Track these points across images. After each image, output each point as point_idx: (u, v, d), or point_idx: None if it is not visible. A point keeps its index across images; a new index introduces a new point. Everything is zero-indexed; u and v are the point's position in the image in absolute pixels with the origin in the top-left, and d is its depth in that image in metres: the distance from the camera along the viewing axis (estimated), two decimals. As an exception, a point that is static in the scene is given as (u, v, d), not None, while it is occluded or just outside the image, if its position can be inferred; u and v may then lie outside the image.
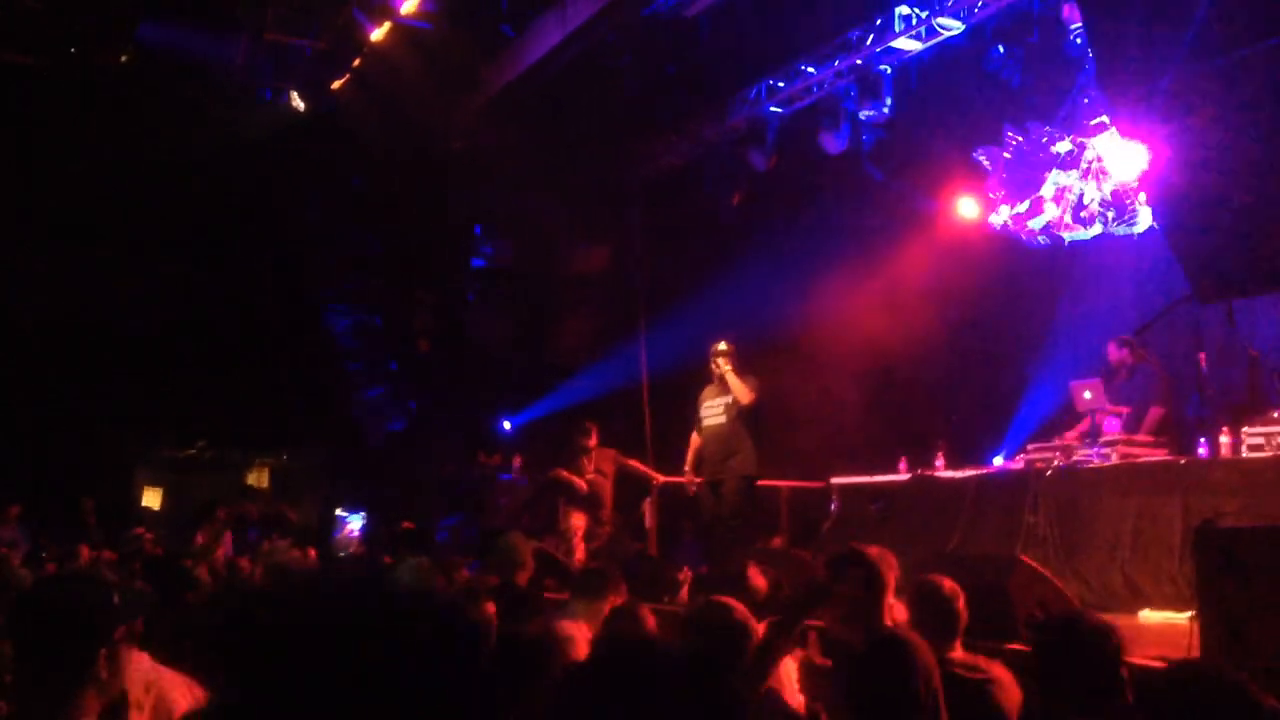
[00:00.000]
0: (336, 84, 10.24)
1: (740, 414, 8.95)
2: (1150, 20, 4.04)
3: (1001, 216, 11.72)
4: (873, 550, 4.17)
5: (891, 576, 4.04)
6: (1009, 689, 3.87)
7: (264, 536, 9.88)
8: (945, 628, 4.04)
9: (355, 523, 12.82)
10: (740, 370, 9.05)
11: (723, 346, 9.18)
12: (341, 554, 10.85)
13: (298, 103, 10.81)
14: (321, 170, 12.61)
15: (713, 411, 9.19)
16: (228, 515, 9.60)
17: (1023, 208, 11.60)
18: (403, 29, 9.98)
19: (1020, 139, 11.59)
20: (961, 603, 4.10)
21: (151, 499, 14.40)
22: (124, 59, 9.50)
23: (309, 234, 13.24)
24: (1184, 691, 2.72)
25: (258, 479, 14.98)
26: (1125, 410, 8.89)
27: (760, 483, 11.76)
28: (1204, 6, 3.96)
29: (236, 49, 10.01)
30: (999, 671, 3.95)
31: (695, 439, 9.41)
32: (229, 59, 10.08)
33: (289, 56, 10.38)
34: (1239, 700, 2.60)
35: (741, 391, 8.89)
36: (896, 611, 4.86)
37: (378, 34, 9.47)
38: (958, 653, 4.04)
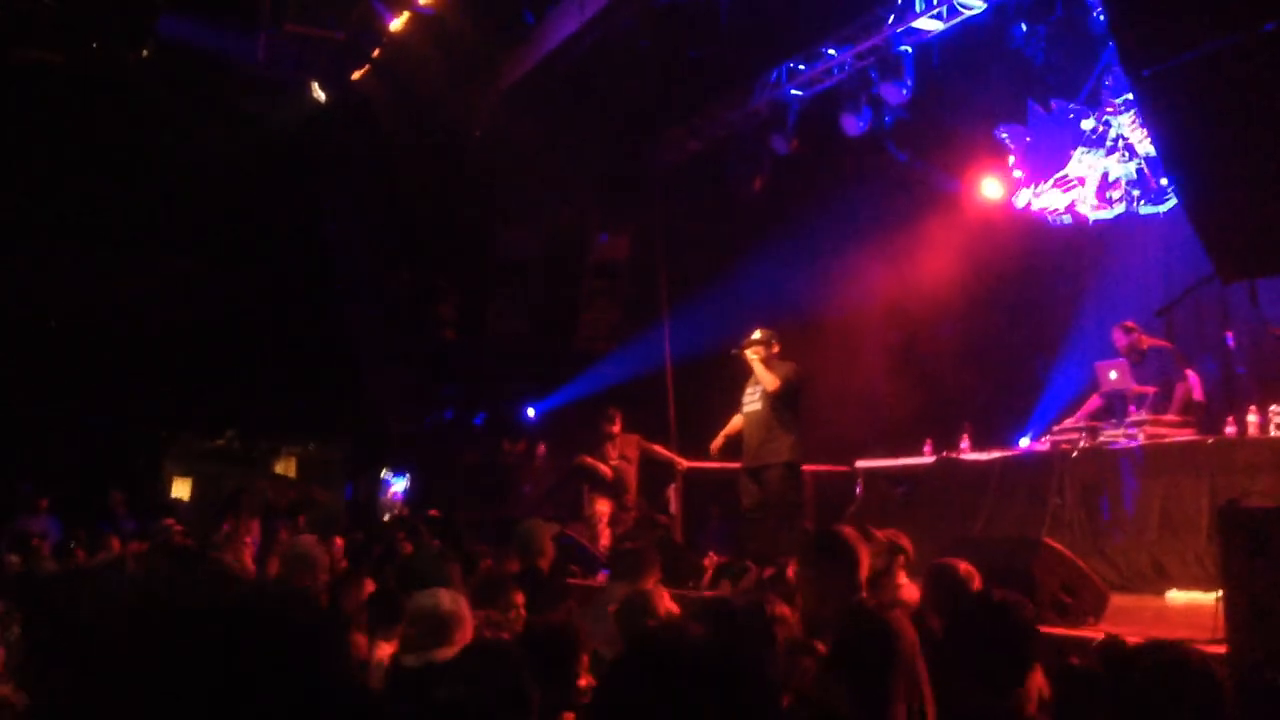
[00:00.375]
0: (357, 74, 10.26)
1: (774, 401, 8.85)
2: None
3: (1026, 196, 11.60)
4: (847, 530, 4.16)
5: (866, 556, 3.99)
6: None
7: (289, 525, 9.95)
8: (963, 610, 4.02)
9: (399, 485, 12.92)
10: (772, 357, 8.96)
11: (756, 335, 9.07)
12: (387, 515, 10.91)
13: (318, 94, 10.85)
14: (344, 161, 12.65)
15: (750, 399, 9.11)
16: (252, 502, 9.68)
17: (1047, 187, 11.49)
18: (421, 18, 9.98)
19: (1045, 115, 11.46)
20: (976, 585, 4.09)
21: (181, 489, 14.55)
22: (145, 53, 9.56)
23: (333, 224, 13.30)
24: (1146, 667, 2.71)
25: (285, 468, 15.11)
26: (1148, 391, 8.83)
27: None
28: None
29: (257, 41, 10.04)
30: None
31: (735, 421, 9.33)
32: (249, 51, 10.12)
33: (309, 48, 10.40)
34: (1201, 682, 2.59)
35: (767, 380, 8.81)
36: (906, 592, 4.86)
37: (397, 23, 9.48)
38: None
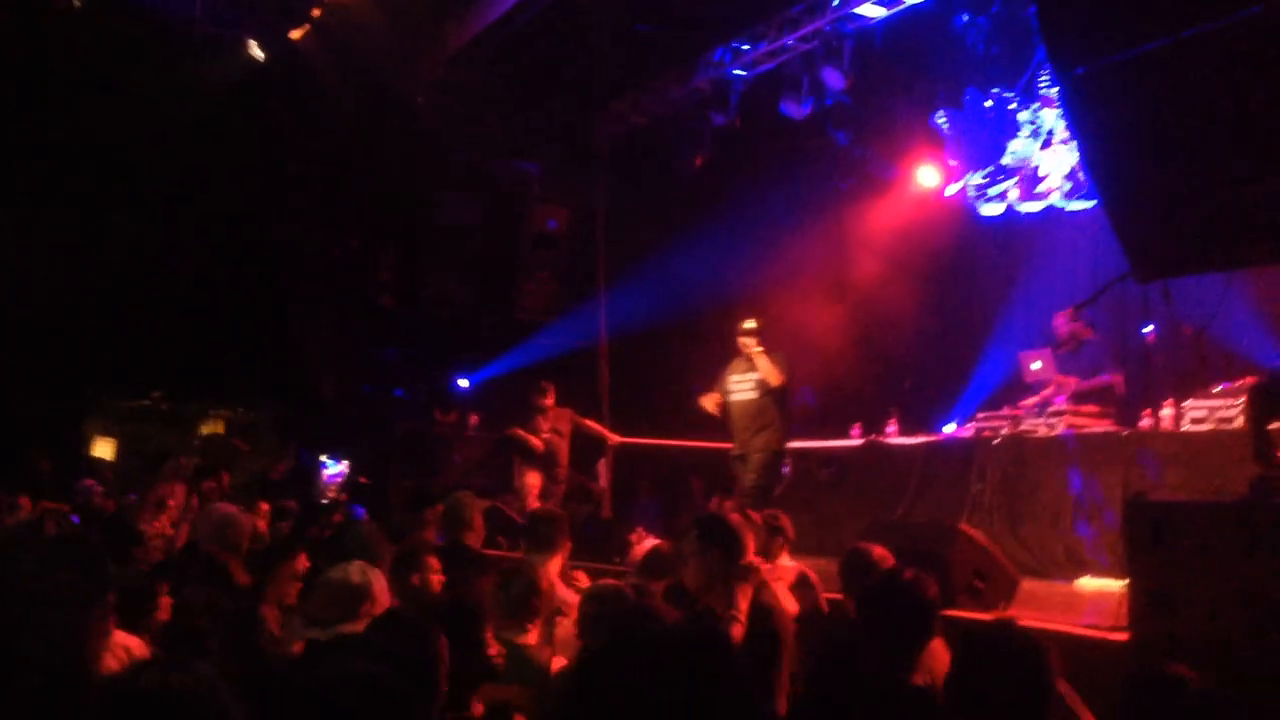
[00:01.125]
0: (296, 34, 10.08)
1: (770, 391, 8.97)
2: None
3: (959, 185, 11.75)
4: (732, 515, 4.30)
5: (751, 540, 4.11)
6: (935, 653, 3.95)
7: (214, 483, 9.79)
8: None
9: (336, 468, 12.80)
10: (769, 349, 9.03)
11: (750, 325, 9.12)
12: (324, 501, 10.81)
13: (257, 52, 10.65)
14: (282, 121, 12.45)
15: (742, 387, 9.14)
16: (178, 468, 9.53)
17: (979, 177, 11.62)
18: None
19: (984, 105, 11.58)
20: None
21: (104, 449, 14.30)
22: (77, 4, 9.31)
23: (268, 185, 13.09)
24: (981, 647, 2.87)
25: (213, 431, 14.91)
26: (1074, 381, 9.04)
27: (714, 445, 11.93)
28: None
29: (193, -3, 9.86)
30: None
31: (711, 398, 9.29)
32: (186, 7, 9.91)
33: (247, 5, 10.22)
34: (1028, 661, 2.67)
35: (772, 374, 8.89)
36: (781, 572, 4.99)
37: (337, -16, 9.34)
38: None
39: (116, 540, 6.60)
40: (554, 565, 5.06)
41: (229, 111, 12.23)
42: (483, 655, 3.31)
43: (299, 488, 11.79)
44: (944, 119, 11.75)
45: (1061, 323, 9.36)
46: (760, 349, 8.98)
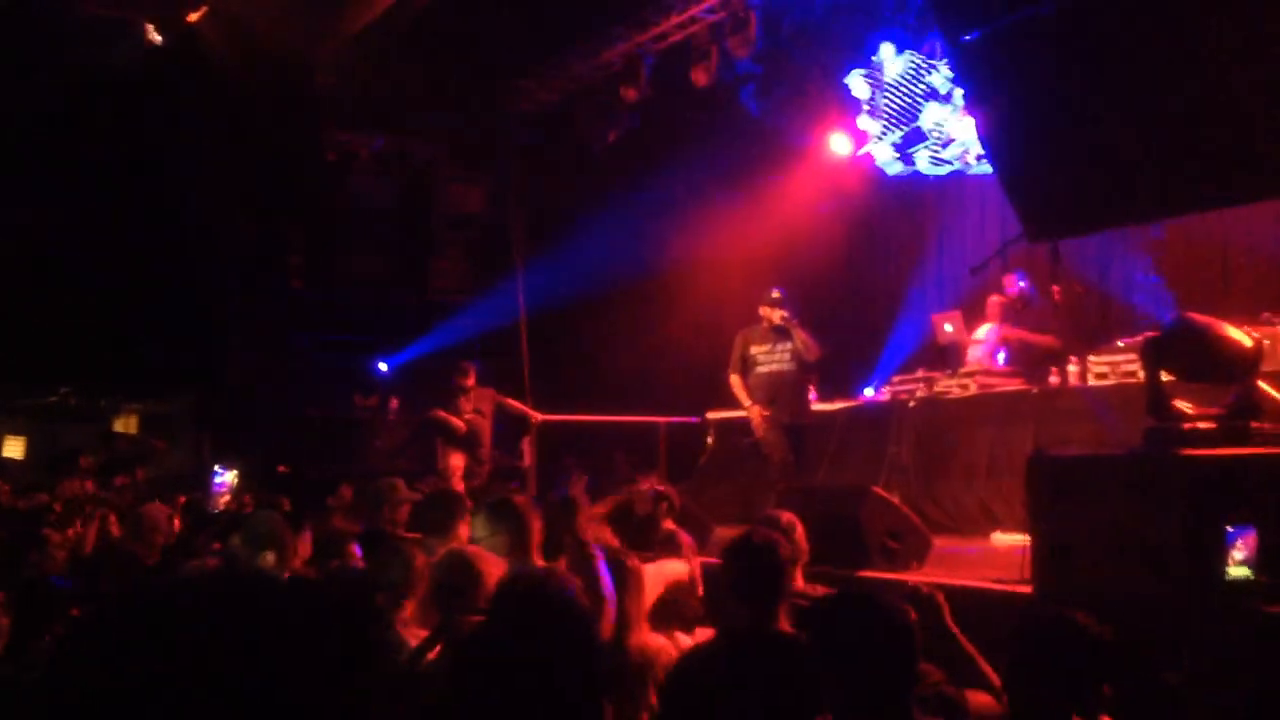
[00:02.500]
0: (194, 16, 9.84)
1: (805, 365, 8.87)
2: (983, -37, 4.13)
3: (873, 147, 11.73)
4: (518, 499, 4.48)
5: (537, 523, 4.23)
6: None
7: (127, 479, 9.64)
8: (784, 559, 4.16)
9: (228, 477, 12.58)
10: (801, 322, 8.83)
11: (776, 295, 8.87)
12: (215, 511, 10.63)
13: (155, 36, 10.37)
14: (184, 106, 12.16)
15: (775, 357, 8.89)
16: (88, 464, 9.35)
17: (893, 139, 11.64)
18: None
19: (899, 67, 11.54)
20: (799, 534, 4.24)
21: (13, 448, 13.93)
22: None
23: (172, 171, 12.78)
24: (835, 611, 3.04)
25: (126, 425, 14.60)
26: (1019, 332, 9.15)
27: (638, 419, 11.99)
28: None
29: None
30: (835, 599, 4.11)
31: (738, 379, 9.04)
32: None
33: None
34: (890, 621, 2.83)
35: (812, 349, 8.73)
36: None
37: (233, -36, 9.12)
38: (798, 584, 4.18)
39: (24, 541, 6.46)
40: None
41: (128, 97, 11.91)
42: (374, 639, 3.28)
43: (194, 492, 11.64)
44: (860, 82, 11.68)
45: (1011, 281, 9.45)
46: (795, 321, 8.76)
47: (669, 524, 5.69)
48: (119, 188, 12.80)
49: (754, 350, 8.99)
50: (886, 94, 11.56)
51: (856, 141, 11.95)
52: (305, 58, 11.35)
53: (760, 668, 3.30)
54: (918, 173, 11.45)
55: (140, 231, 13.16)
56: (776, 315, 8.76)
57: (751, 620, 3.47)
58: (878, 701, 2.77)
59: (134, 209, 13.03)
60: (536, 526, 4.20)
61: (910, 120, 11.46)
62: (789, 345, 8.78)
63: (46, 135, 12.07)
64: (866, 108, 11.70)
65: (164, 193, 13.09)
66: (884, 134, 11.60)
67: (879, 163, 11.66)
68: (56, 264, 12.70)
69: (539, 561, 4.33)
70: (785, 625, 3.48)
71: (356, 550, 5.04)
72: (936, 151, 11.17)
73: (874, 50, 11.62)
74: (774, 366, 8.88)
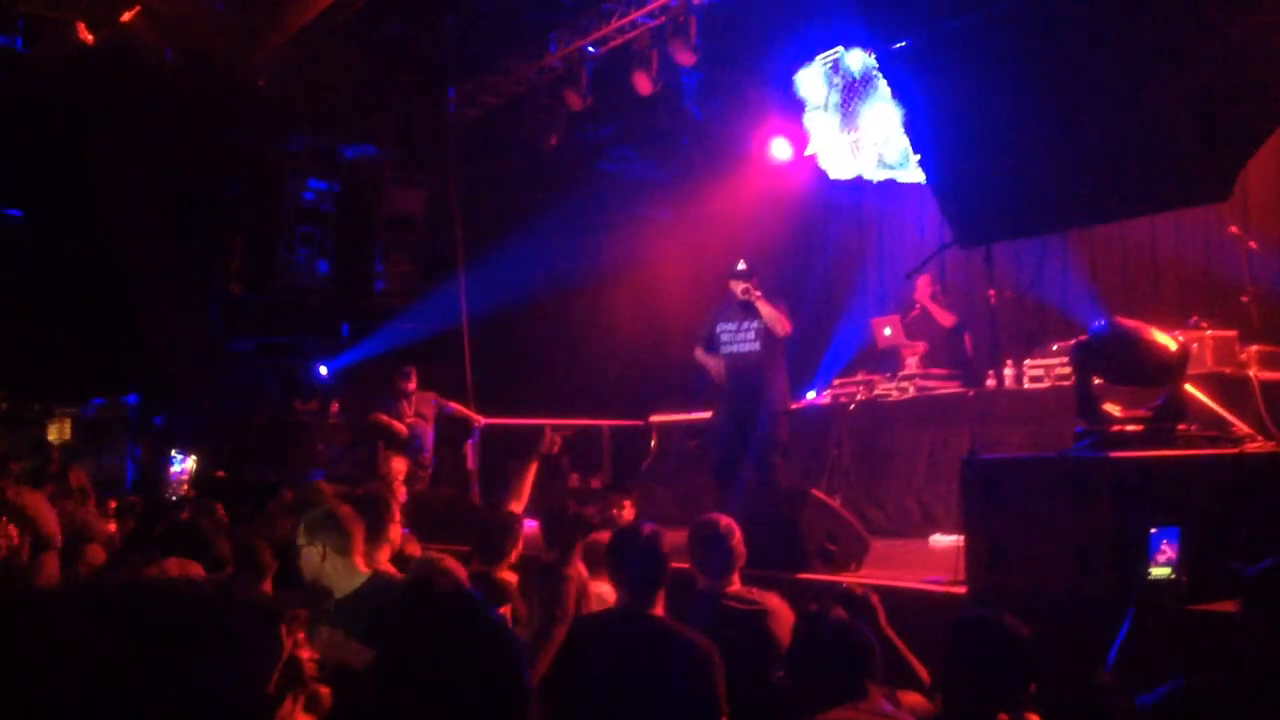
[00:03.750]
0: (127, 15, 9.67)
1: (774, 342, 8.02)
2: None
3: (821, 148, 11.61)
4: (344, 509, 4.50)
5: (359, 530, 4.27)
6: (781, 617, 4.06)
7: (59, 487, 9.46)
8: (721, 563, 4.20)
9: (188, 465, 12.40)
10: (769, 295, 8.07)
11: (742, 267, 8.07)
12: (172, 497, 10.47)
13: (85, 35, 10.18)
14: (117, 106, 11.95)
15: (740, 337, 8.10)
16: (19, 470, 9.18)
17: (840, 142, 11.56)
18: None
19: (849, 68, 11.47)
20: (737, 539, 4.26)
21: (-56, 456, 13.60)
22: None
23: (107, 174, 12.56)
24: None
25: (60, 432, 14.32)
26: (920, 346, 9.37)
27: (581, 422, 11.96)
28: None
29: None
30: (772, 602, 4.15)
31: (714, 363, 8.30)
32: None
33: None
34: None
35: (778, 322, 7.91)
36: None
37: (167, -37, 8.98)
38: (735, 586, 4.21)
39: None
40: (381, 553, 4.88)
41: (60, 98, 11.70)
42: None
43: (144, 485, 11.45)
44: (813, 79, 11.54)
45: (924, 283, 9.65)
46: (759, 294, 7.98)
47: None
48: (53, 192, 12.58)
49: (720, 329, 8.27)
50: (840, 93, 11.45)
51: (799, 144, 11.98)
52: (241, 59, 11.20)
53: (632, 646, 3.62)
54: (860, 177, 11.47)
55: (75, 237, 12.94)
56: (740, 288, 8.04)
57: (629, 607, 3.79)
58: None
59: (67, 214, 12.81)
60: (359, 533, 4.22)
61: (854, 121, 11.43)
62: (755, 323, 8.05)
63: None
64: (816, 107, 11.58)
65: (99, 197, 12.87)
66: (836, 134, 11.45)
67: (823, 164, 11.60)
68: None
69: (362, 568, 4.34)
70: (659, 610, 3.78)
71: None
72: (881, 156, 11.17)
73: (818, 50, 11.57)
74: (737, 347, 8.16)
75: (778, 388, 8.08)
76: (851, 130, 11.34)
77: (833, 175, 11.58)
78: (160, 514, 6.71)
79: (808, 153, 11.68)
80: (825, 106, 11.42)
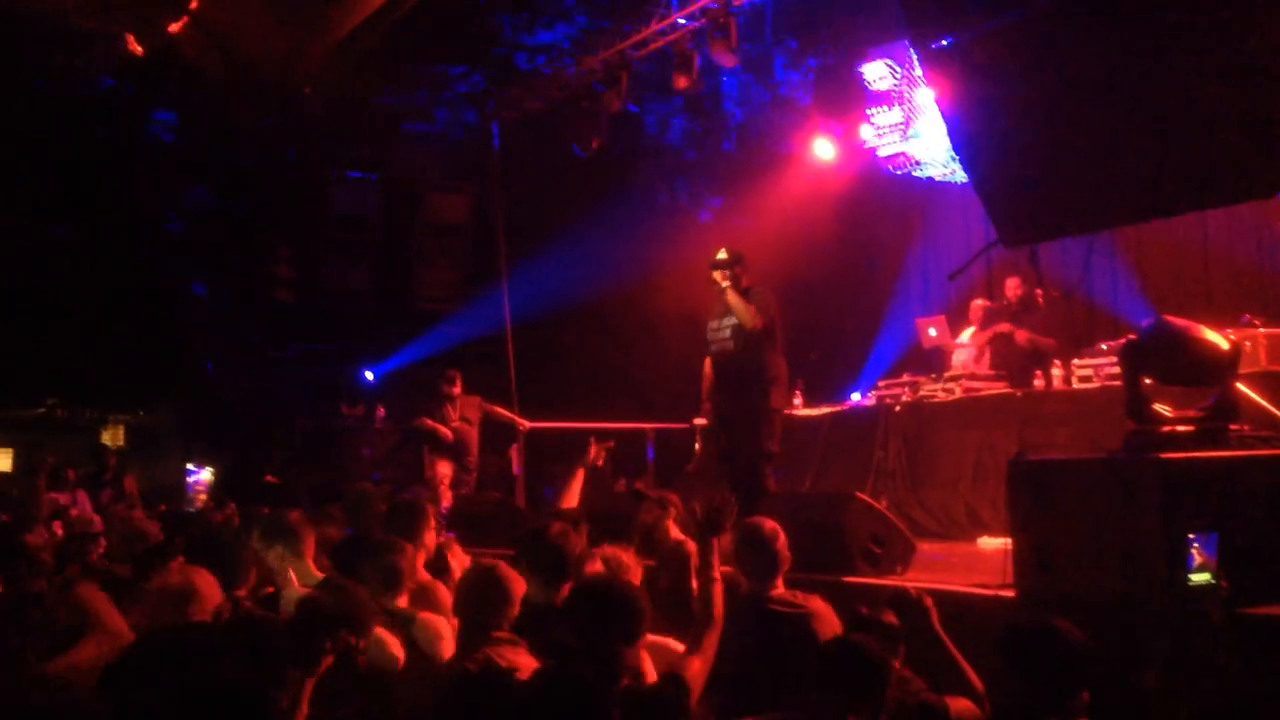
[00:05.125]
0: (174, 27, 9.82)
1: (751, 338, 7.33)
2: (955, -30, 4.15)
3: (886, 141, 11.21)
4: (293, 514, 4.73)
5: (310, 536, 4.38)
6: (826, 619, 4.05)
7: (115, 493, 9.67)
8: (765, 567, 4.19)
9: (204, 475, 12.58)
10: (746, 286, 7.42)
11: (722, 255, 7.42)
12: (189, 510, 10.64)
13: (135, 46, 10.35)
14: (165, 117, 12.17)
15: (719, 335, 7.52)
16: (66, 473, 9.36)
17: (896, 137, 11.25)
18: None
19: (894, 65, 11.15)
20: (781, 542, 4.25)
21: (2, 461, 13.90)
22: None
23: (157, 183, 12.78)
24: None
25: (113, 437, 14.57)
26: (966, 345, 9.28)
27: (624, 425, 11.94)
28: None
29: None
30: (816, 604, 4.13)
31: (708, 366, 7.84)
32: (58, 2, 9.61)
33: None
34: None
35: (745, 314, 7.23)
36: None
37: (214, -26, 9.10)
38: (778, 590, 4.19)
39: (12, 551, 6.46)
40: (418, 558, 4.97)
41: (110, 108, 11.92)
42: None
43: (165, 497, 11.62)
44: (882, 71, 11.17)
45: (1017, 285, 9.48)
46: (727, 284, 7.28)
47: (676, 533, 5.66)
48: (106, 202, 12.81)
49: (708, 328, 7.66)
50: (905, 87, 11.10)
51: (849, 140, 11.73)
52: (287, 69, 11.33)
53: None
54: (909, 175, 11.25)
55: (127, 245, 13.17)
56: (718, 278, 7.38)
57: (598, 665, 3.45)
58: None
59: (119, 223, 13.03)
60: (310, 540, 4.27)
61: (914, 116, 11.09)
62: (733, 318, 7.40)
63: (29, 150, 12.07)
64: (880, 101, 11.05)
65: (149, 207, 13.10)
66: (898, 127, 11.10)
67: (883, 155, 11.13)
68: (44, 279, 12.71)
69: (315, 571, 4.38)
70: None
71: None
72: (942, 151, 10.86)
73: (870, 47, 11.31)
74: (718, 345, 7.57)
75: (759, 387, 7.37)
76: (913, 125, 11.03)
77: (894, 170, 11.23)
78: (181, 524, 6.80)
79: (871, 145, 11.24)
80: (890, 101, 11.04)
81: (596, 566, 4.39)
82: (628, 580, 4.04)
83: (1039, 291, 8.44)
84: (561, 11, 11.99)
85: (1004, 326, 9.25)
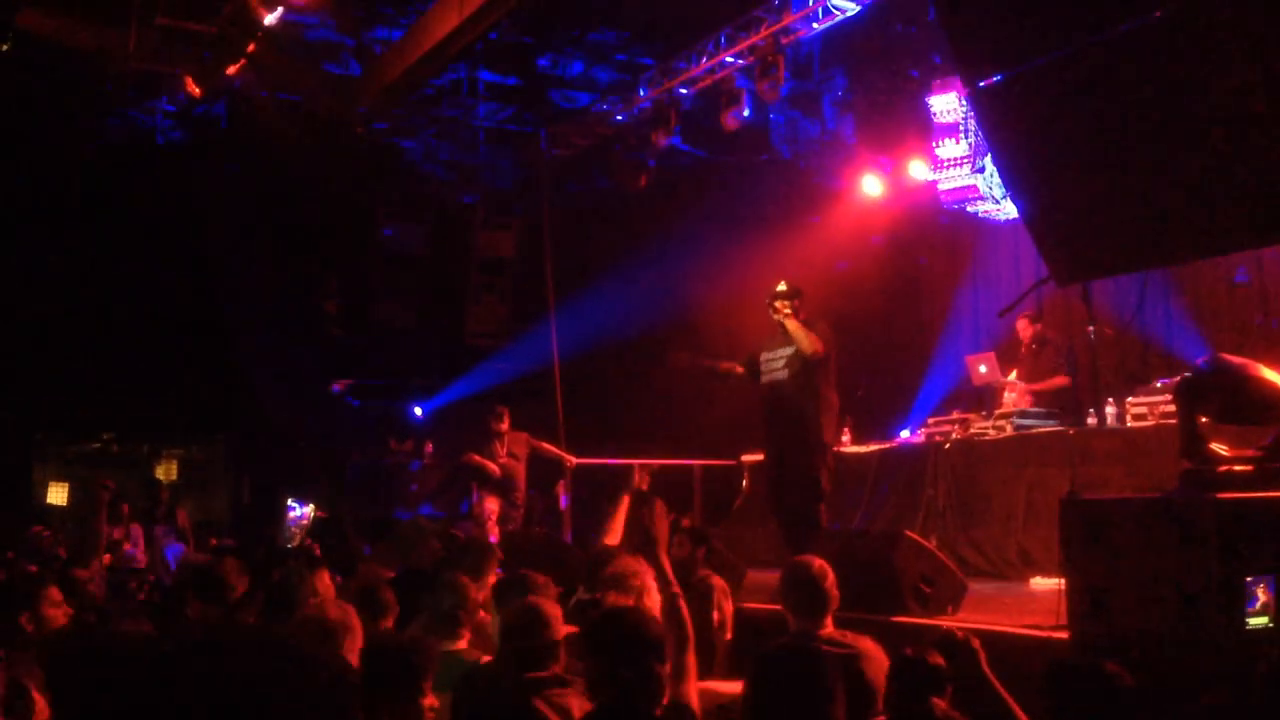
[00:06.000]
0: (232, 69, 10.05)
1: (806, 369, 7.30)
2: (1005, 6, 4.14)
3: (937, 174, 11.06)
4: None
5: None
6: (875, 660, 4.00)
7: (168, 526, 9.81)
8: (814, 605, 4.14)
9: (307, 510, 12.69)
10: (807, 316, 7.47)
11: (782, 287, 7.51)
12: (289, 545, 10.75)
13: (193, 88, 10.61)
14: (221, 155, 12.42)
15: (771, 366, 7.49)
16: (127, 507, 9.50)
17: (963, 172, 11.04)
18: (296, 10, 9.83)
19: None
20: (830, 581, 4.20)
21: (57, 495, 14.12)
22: (4, 48, 9.26)
23: (212, 220, 13.03)
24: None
25: (166, 471, 14.78)
26: (1017, 384, 9.18)
27: (671, 461, 11.91)
28: (1057, -6, 4.08)
29: (127, 35, 9.79)
30: (866, 645, 4.08)
31: (735, 366, 7.91)
32: (119, 45, 9.86)
33: (181, 42, 10.20)
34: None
35: (805, 341, 7.22)
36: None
37: (270, 18, 9.31)
38: (827, 629, 4.15)
39: (64, 584, 6.54)
40: (480, 593, 5.08)
41: (169, 149, 12.19)
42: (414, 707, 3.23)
43: (261, 529, 11.70)
44: (942, 107, 11.03)
45: (1025, 325, 9.47)
46: (788, 314, 7.34)
47: (702, 570, 5.68)
48: (158, 240, 13.08)
49: (761, 359, 7.65)
50: (942, 125, 10.93)
51: (895, 177, 11.68)
52: (342, 107, 11.55)
53: None
54: (964, 209, 11.07)
55: (178, 282, 13.42)
56: (778, 308, 7.43)
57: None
58: None
59: (172, 260, 13.29)
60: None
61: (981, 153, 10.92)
62: (787, 350, 7.41)
63: (85, 186, 12.36)
64: (948, 134, 10.76)
65: (201, 244, 13.36)
66: (965, 160, 10.94)
67: (944, 189, 10.95)
68: (99, 316, 12.96)
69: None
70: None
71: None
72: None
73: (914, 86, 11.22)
74: (771, 376, 7.53)
75: (812, 420, 7.33)
76: (980, 158, 10.89)
77: (956, 206, 11.08)
78: (275, 560, 6.85)
79: (932, 179, 11.07)
80: (956, 134, 10.92)
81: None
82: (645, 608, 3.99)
83: (1090, 328, 8.34)
84: (610, 50, 12.09)
85: (1011, 386, 9.21)
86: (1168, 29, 3.80)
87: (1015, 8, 4.04)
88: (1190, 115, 3.89)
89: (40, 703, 3.35)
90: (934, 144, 10.79)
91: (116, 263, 12.98)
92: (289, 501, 13.10)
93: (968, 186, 10.72)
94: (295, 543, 10.90)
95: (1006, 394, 9.38)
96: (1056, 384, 9.15)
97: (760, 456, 10.79)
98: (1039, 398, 9.07)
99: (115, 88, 10.80)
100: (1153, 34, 3.82)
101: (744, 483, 11.14)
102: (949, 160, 10.74)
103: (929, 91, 10.81)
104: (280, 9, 9.25)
